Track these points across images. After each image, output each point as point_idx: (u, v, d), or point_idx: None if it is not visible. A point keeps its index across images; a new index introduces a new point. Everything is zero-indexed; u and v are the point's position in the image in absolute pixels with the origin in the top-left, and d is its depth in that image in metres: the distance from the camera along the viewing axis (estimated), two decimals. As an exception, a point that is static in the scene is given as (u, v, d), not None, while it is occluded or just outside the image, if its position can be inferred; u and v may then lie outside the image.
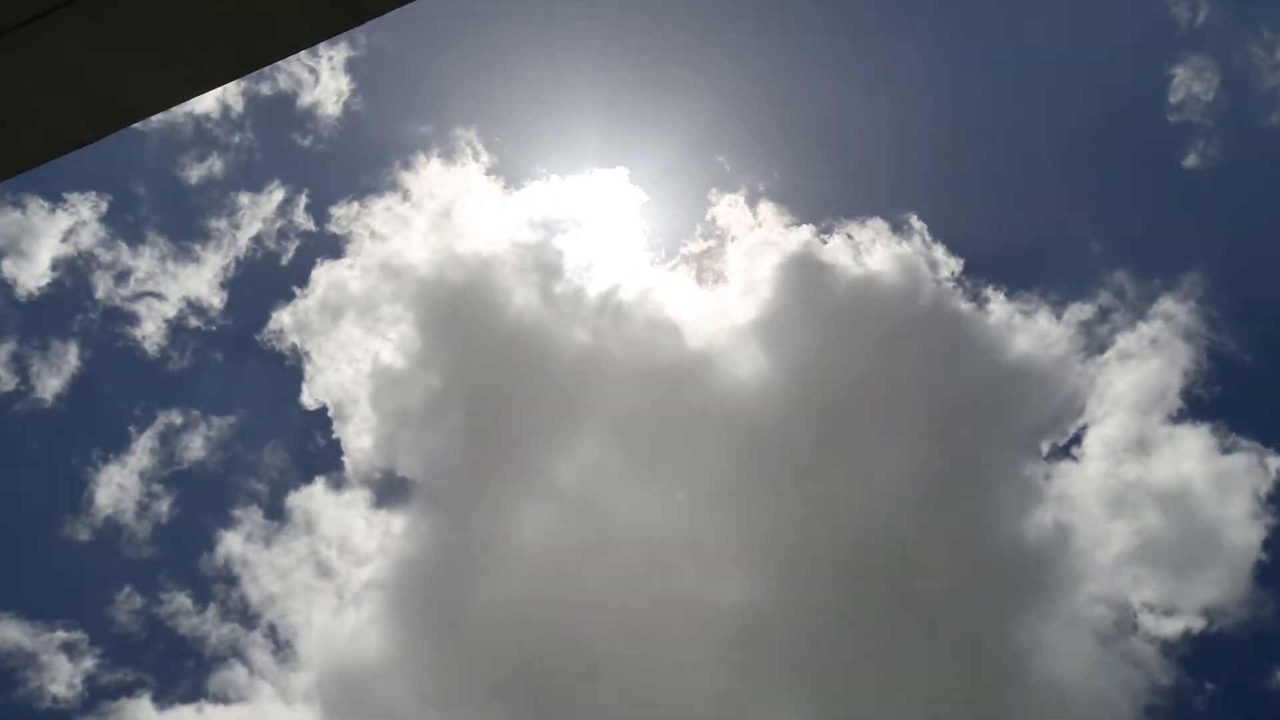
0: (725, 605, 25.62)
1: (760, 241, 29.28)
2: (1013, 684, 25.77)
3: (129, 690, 25.08)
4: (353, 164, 30.40)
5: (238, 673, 26.18)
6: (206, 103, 27.97)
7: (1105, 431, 28.80)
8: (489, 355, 28.39)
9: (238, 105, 28.72)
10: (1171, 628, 27.44)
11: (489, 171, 29.80)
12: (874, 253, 28.73)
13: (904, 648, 25.30)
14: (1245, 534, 28.41)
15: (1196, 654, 27.27)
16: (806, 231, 28.98)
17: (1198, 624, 27.49)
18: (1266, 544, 27.15)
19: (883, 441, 28.04)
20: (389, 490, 28.48)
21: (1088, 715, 25.86)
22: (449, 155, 29.77)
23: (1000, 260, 29.84)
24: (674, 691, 25.14)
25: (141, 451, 27.77)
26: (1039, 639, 26.51)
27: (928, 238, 28.75)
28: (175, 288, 29.56)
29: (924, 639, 25.45)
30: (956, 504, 27.68)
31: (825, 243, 28.99)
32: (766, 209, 29.24)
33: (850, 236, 28.98)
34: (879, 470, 27.60)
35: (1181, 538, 28.60)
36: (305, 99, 28.96)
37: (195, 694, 25.57)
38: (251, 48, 4.72)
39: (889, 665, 25.30)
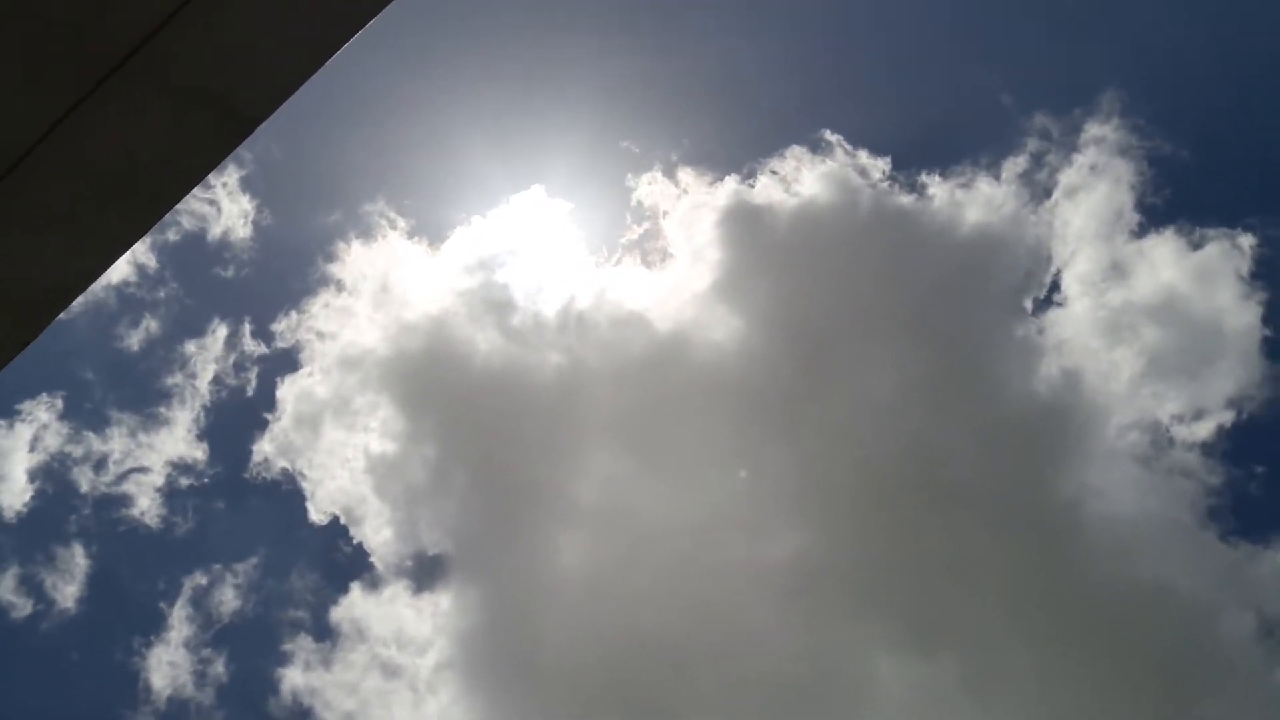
0: (779, 560, 25.70)
1: (691, 207, 29.30)
2: (1073, 537, 26.06)
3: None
4: (280, 275, 30.24)
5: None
6: (121, 270, 27.70)
7: (1079, 269, 29.08)
8: (473, 407, 28.29)
9: (151, 261, 28.49)
10: (1204, 430, 27.85)
11: (410, 235, 29.68)
12: (802, 180, 28.80)
13: (957, 541, 25.49)
14: (1243, 317, 28.82)
15: (1236, 444, 27.68)
16: (731, 183, 29.02)
17: (1227, 417, 27.91)
18: (1266, 319, 27.56)
19: (873, 355, 28.19)
20: (425, 572, 28.31)
21: (1153, 539, 26.20)
22: (367, 233, 29.62)
23: (923, 146, 30.00)
24: (759, 656, 25.22)
25: (179, 624, 27.50)
26: (1083, 485, 26.82)
27: (848, 148, 28.84)
28: (155, 456, 29.23)
29: (974, 527, 25.67)
30: (964, 389, 27.88)
31: (753, 187, 29.03)
32: (686, 175, 29.23)
33: (775, 172, 29.04)
34: (879, 384, 27.74)
35: (1185, 342, 29.00)
36: (214, 231, 28.76)
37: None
38: (154, 193, 4.62)
39: (950, 563, 25.48)
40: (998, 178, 28.93)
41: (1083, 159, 28.56)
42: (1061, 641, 24.73)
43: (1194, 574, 25.90)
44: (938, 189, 29.01)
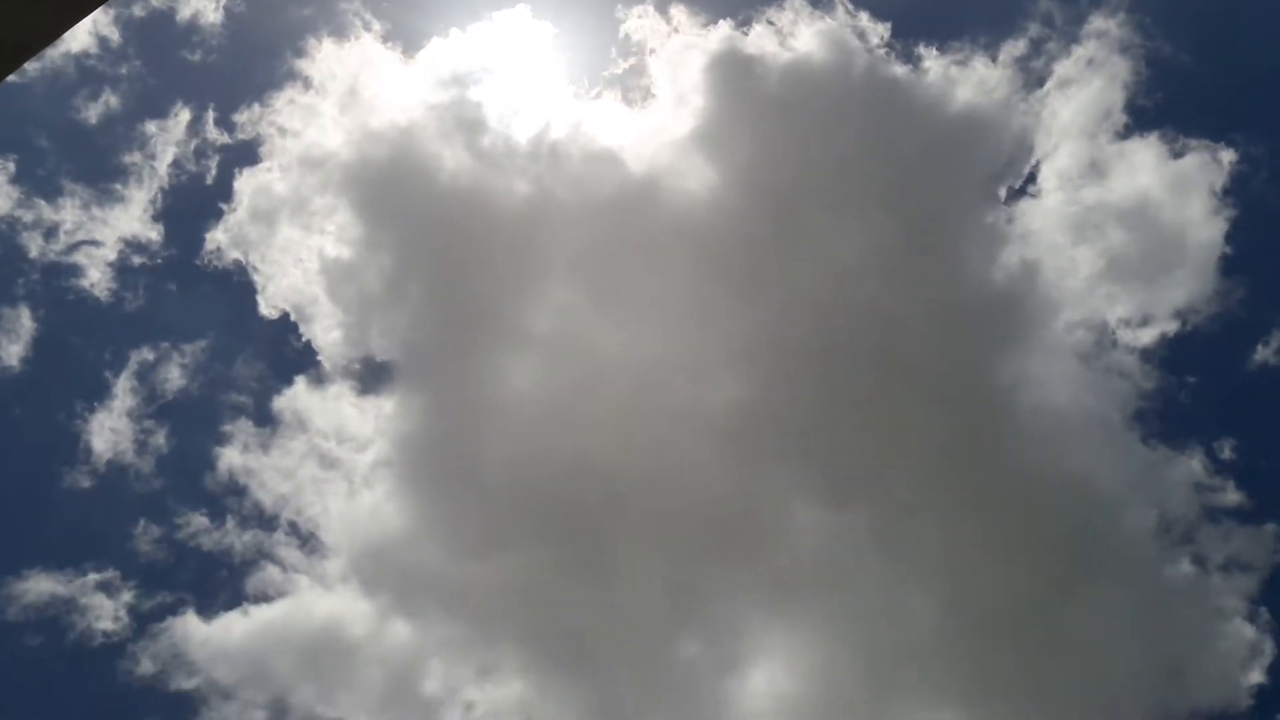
0: (719, 405, 26.41)
1: (680, 48, 28.46)
2: (1004, 420, 27.01)
3: (172, 610, 26.05)
4: (247, 65, 29.27)
5: (271, 573, 27.12)
6: (81, 39, 26.57)
7: (1058, 163, 29.04)
8: (433, 224, 28.06)
9: (114, 35, 27.33)
10: (1148, 336, 28.62)
11: (385, 39, 28.69)
12: (799, 35, 28.04)
13: (895, 411, 26.31)
14: (1207, 231, 29.16)
15: (1175, 354, 28.56)
16: (725, 27, 28.17)
17: (1172, 326, 28.66)
18: (1228, 237, 27.94)
19: (842, 221, 28.21)
20: (371, 376, 28.76)
21: (1079, 432, 27.26)
22: (340, 32, 28.64)
23: (926, 16, 29.21)
24: (688, 492, 26.25)
25: (123, 394, 27.84)
26: (1023, 373, 27.59)
27: (850, 7, 28.03)
28: (108, 231, 28.87)
29: (913, 399, 26.47)
30: (925, 266, 28.15)
31: (746, 35, 28.22)
32: (679, 13, 28.29)
33: (771, 23, 28.20)
34: (843, 249, 27.90)
35: (1147, 249, 29.37)
36: (183, 13, 27.57)
37: (236, 600, 26.58)
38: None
39: (883, 429, 26.37)
40: (994, 59, 28.43)
41: (1081, 51, 28.10)
42: (973, 514, 26.03)
43: (1110, 469, 27.15)
44: (933, 63, 28.49)
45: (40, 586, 25.08)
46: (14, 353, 27.12)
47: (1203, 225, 28.98)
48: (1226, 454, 27.90)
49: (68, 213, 27.51)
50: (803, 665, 25.48)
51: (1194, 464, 27.71)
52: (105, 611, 25.35)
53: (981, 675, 25.28)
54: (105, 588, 25.61)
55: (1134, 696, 25.06)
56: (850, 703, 24.98)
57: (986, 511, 26.23)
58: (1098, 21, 27.77)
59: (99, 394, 27.71)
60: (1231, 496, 27.35)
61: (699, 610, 26.48)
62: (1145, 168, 28.54)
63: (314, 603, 26.82)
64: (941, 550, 25.86)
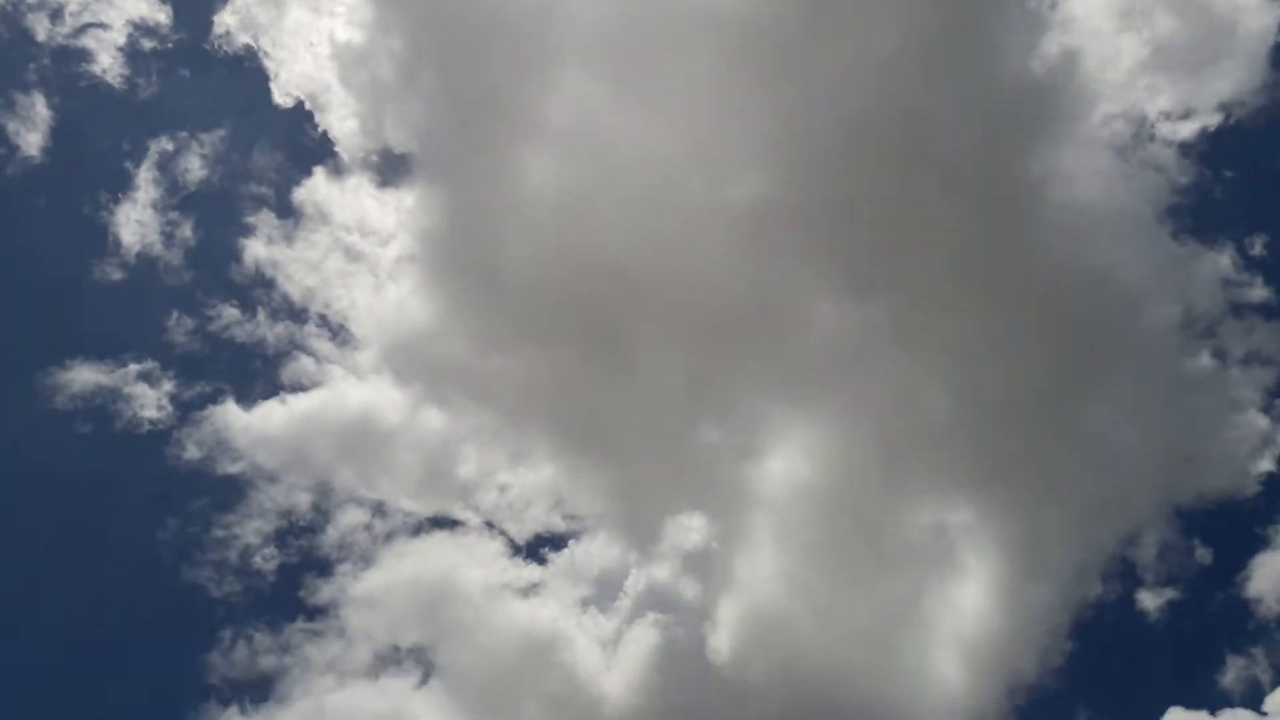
0: (742, 200, 26.11)
1: None
2: (1032, 214, 26.54)
3: (213, 399, 27.01)
4: None
5: (304, 363, 27.90)
6: None
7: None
8: (447, 6, 27.07)
9: None
10: (1189, 129, 27.67)
11: None
12: None
13: (917, 202, 25.87)
14: (1260, 20, 27.64)
15: (1215, 149, 27.68)
16: None
17: (1215, 119, 27.62)
18: (1281, 25, 26.45)
19: (874, 5, 26.91)
20: (390, 168, 28.63)
21: (1109, 227, 26.78)
22: None
23: None
24: (709, 288, 26.38)
25: (145, 185, 27.98)
26: (1054, 167, 26.88)
27: None
28: (115, 13, 28.27)
29: (937, 190, 25.93)
30: (959, 55, 26.98)
31: None
32: None
33: None
34: (876, 38, 26.70)
35: (1194, 38, 27.98)
36: None
37: (273, 390, 27.48)
38: None
39: (906, 223, 26.03)
40: None
41: None
42: (994, 308, 26.00)
43: (1137, 264, 26.81)
44: None
45: (84, 377, 26.07)
46: (34, 142, 27.20)
47: (1255, 13, 27.48)
48: (1257, 250, 27.45)
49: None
50: (818, 452, 26.22)
51: (1223, 260, 27.35)
52: (149, 401, 26.39)
53: (993, 463, 25.91)
54: (146, 378, 26.58)
55: (1143, 483, 25.67)
56: (864, 488, 25.82)
57: (1007, 305, 26.20)
58: None
59: (122, 185, 27.94)
60: (1258, 292, 27.10)
61: (719, 400, 27.14)
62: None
63: (348, 392, 27.73)
64: (960, 342, 26.04)
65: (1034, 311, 26.04)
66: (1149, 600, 25.22)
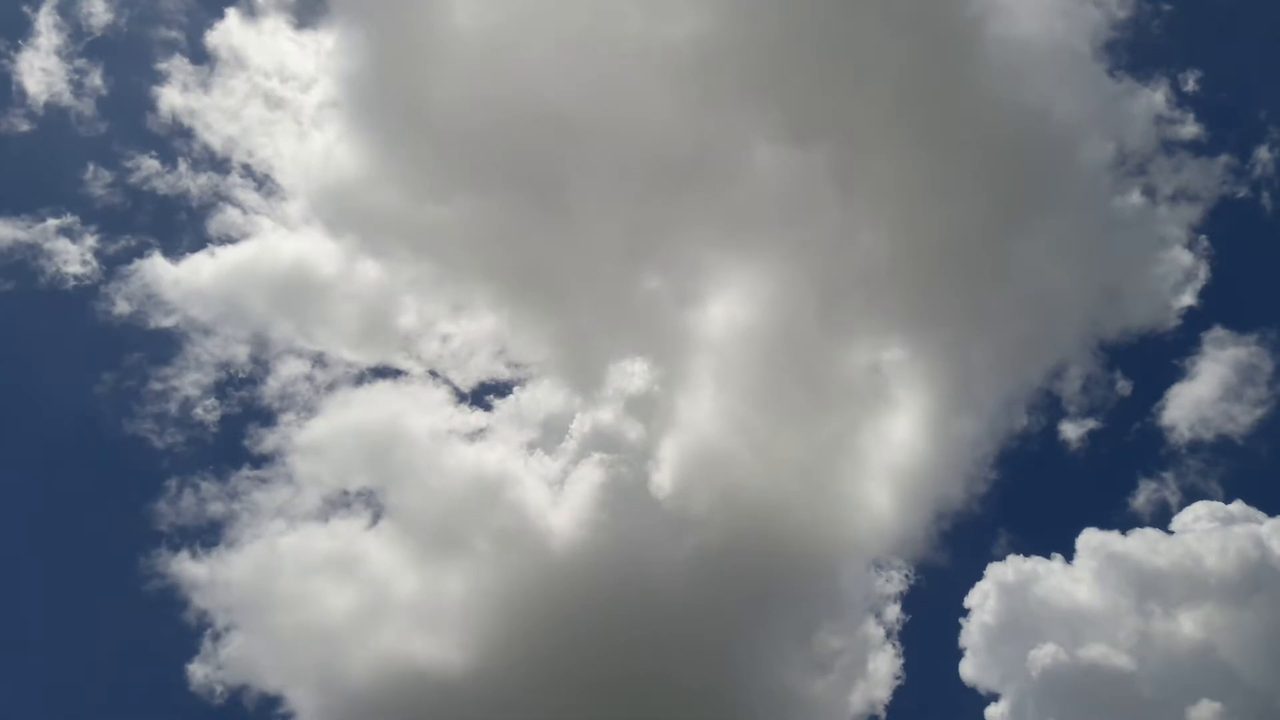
0: (677, 39, 25.42)
1: None
2: (969, 53, 26.31)
3: (137, 253, 26.38)
4: None
5: (231, 215, 27.27)
6: None
7: None
8: None
9: None
10: (1126, -37, 27.42)
11: None
12: None
13: (858, 45, 25.52)
14: None
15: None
16: None
17: (1151, -47, 27.38)
18: None
19: None
20: (306, 8, 27.47)
21: (1046, 64, 26.72)
22: None
23: None
24: (647, 134, 25.98)
25: (47, 31, 26.50)
26: (992, 3, 26.55)
27: None
28: None
29: (877, 33, 25.58)
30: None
31: None
32: None
33: None
34: None
35: None
36: None
37: (200, 243, 26.91)
38: None
39: (845, 64, 25.71)
40: None
41: None
42: (931, 148, 26.10)
43: (1073, 102, 26.92)
44: None
45: (1, 233, 25.20)
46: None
47: None
48: (1190, 86, 27.72)
49: None
50: (758, 296, 26.52)
51: (1157, 96, 27.61)
52: (71, 256, 25.67)
53: (928, 303, 26.49)
54: (67, 233, 25.78)
55: (1070, 319, 26.52)
56: (802, 330, 26.26)
57: (944, 145, 26.28)
58: None
59: (21, 31, 26.44)
60: (1189, 129, 27.51)
61: (659, 246, 27.12)
62: None
63: (279, 244, 27.23)
64: (898, 184, 26.19)
65: (971, 152, 26.17)
66: (1070, 431, 26.45)
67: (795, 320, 26.35)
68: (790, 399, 25.68)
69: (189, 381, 25.67)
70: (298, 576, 23.34)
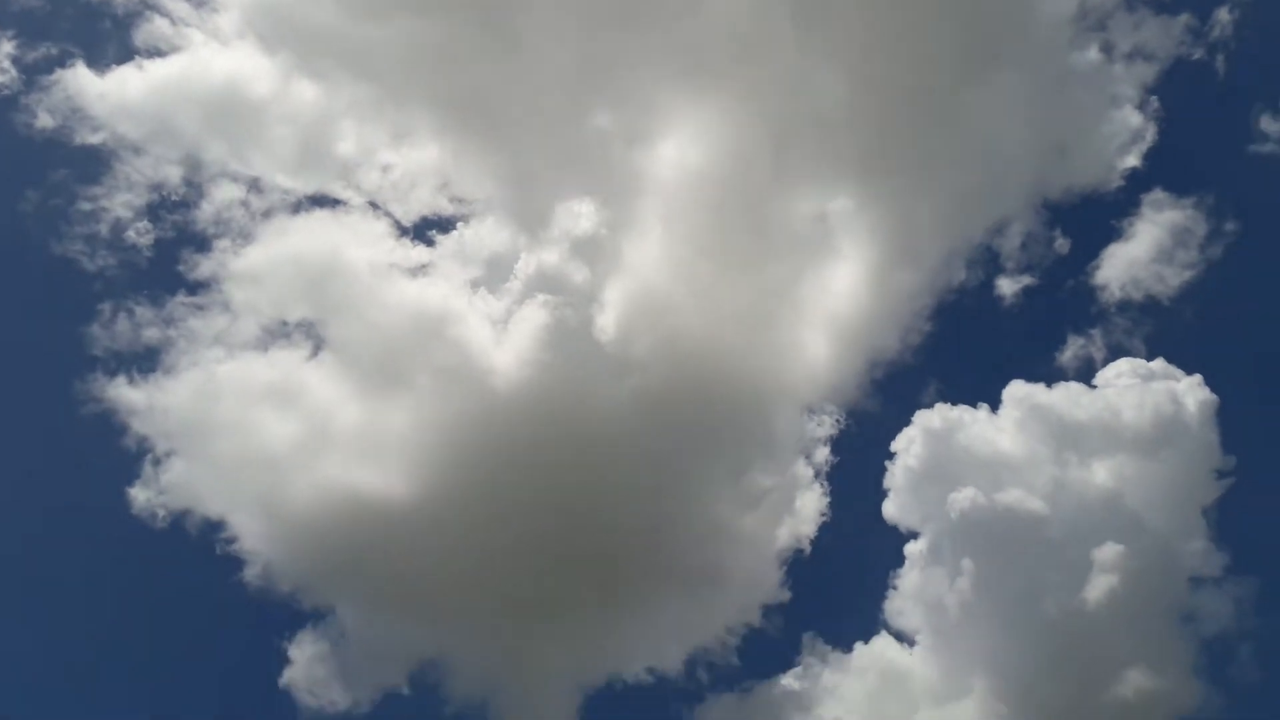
0: None
1: None
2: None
3: (60, 62, 24.98)
4: None
5: (159, 25, 25.78)
6: None
7: None
8: None
9: None
10: None
11: None
12: None
13: None
14: None
15: None
16: None
17: None
18: None
19: None
20: None
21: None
22: None
23: None
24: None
25: None
26: None
27: None
28: None
29: None
30: None
31: None
32: None
33: None
34: None
35: None
36: None
37: (126, 54, 25.48)
38: None
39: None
40: None
41: None
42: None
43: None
44: None
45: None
46: None
47: None
48: (1157, -63, 27.12)
49: None
50: (709, 137, 26.06)
51: (1122, -53, 26.99)
52: (-14, 64, 24.20)
53: (878, 151, 26.30)
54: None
55: (1016, 174, 26.64)
56: (752, 175, 26.01)
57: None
58: None
59: None
60: (1153, -16, 27.07)
61: (610, 82, 26.35)
62: None
63: (211, 59, 25.86)
64: (854, 27, 25.51)
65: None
66: (1006, 286, 27.00)
67: (746, 164, 26.06)
68: (736, 246, 25.71)
69: (119, 202, 24.81)
70: (238, 405, 23.35)
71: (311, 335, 24.44)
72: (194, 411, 23.14)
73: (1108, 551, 22.46)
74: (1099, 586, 22.05)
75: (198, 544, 22.48)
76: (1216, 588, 23.10)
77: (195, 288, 24.56)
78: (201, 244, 24.95)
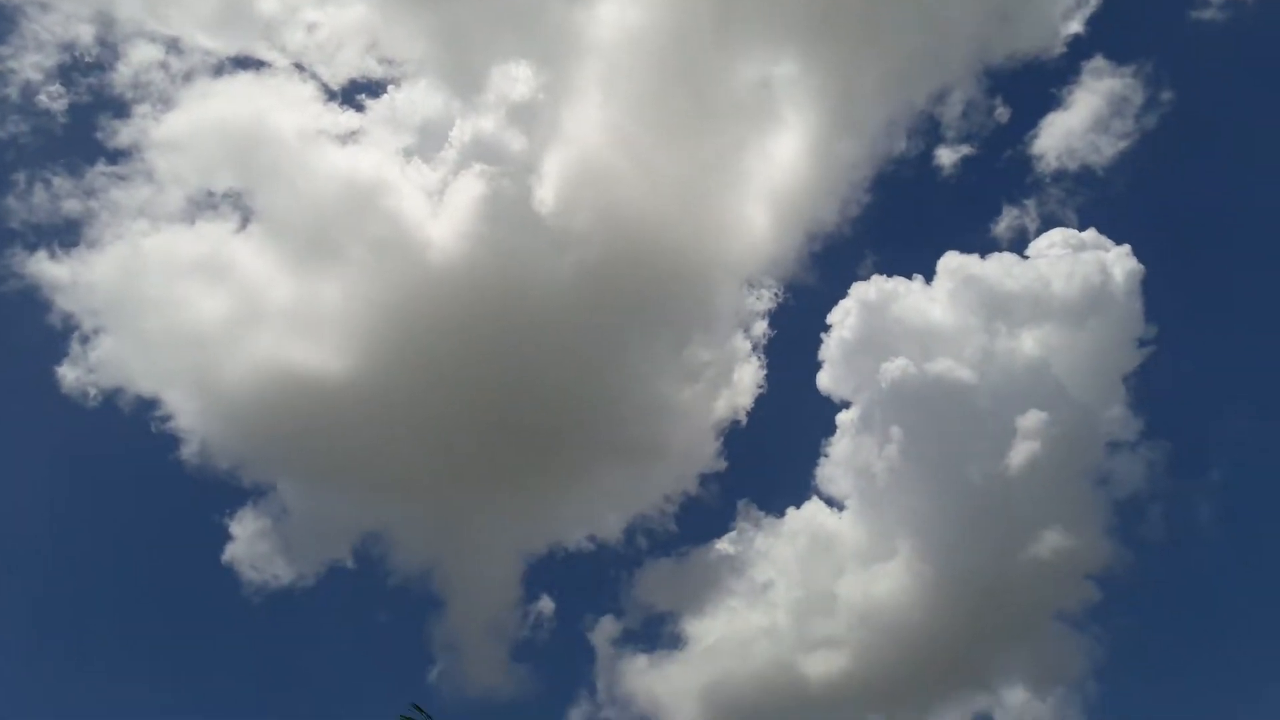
0: None
1: None
2: None
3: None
4: None
5: None
6: None
7: None
8: None
9: None
10: None
11: None
12: None
13: None
14: None
15: None
16: None
17: None
18: None
19: None
20: None
21: None
22: None
23: None
24: None
25: None
26: None
27: None
28: None
29: None
30: None
31: None
32: None
33: None
34: None
35: None
36: None
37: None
38: None
39: None
40: None
41: None
42: None
43: None
44: None
45: None
46: None
47: None
48: None
49: None
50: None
51: None
52: None
53: (825, 15, 25.57)
54: None
55: (959, 40, 26.18)
56: (695, 38, 25.16)
57: None
58: None
59: None
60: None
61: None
62: None
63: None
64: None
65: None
66: (945, 156, 26.98)
67: (689, 25, 25.23)
68: (678, 112, 25.12)
69: (29, 64, 23.49)
70: (165, 279, 22.79)
71: (239, 206, 23.76)
72: (121, 286, 22.59)
73: (1031, 419, 23.24)
74: (1021, 452, 22.93)
75: (131, 422, 22.30)
76: (1132, 452, 24.20)
77: (115, 156, 23.58)
78: (120, 109, 23.86)
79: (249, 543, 22.09)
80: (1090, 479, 23.82)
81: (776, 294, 25.96)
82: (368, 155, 24.38)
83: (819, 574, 23.22)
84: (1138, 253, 25.04)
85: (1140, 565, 23.43)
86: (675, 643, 23.20)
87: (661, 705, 22.48)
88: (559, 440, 23.24)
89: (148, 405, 22.27)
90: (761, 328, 25.62)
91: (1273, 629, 23.35)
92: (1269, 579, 23.92)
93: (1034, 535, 22.52)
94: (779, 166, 25.71)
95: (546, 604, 23.32)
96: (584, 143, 24.47)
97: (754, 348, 25.48)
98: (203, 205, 23.66)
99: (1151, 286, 24.78)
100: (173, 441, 22.22)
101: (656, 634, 23.35)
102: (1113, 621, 22.81)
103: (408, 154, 24.58)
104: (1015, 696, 22.55)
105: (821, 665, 22.32)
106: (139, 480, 23.01)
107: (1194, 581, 24.62)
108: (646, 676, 22.95)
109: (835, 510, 24.32)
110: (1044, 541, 22.41)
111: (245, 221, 23.62)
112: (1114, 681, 22.49)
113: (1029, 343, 24.81)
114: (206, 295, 22.77)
